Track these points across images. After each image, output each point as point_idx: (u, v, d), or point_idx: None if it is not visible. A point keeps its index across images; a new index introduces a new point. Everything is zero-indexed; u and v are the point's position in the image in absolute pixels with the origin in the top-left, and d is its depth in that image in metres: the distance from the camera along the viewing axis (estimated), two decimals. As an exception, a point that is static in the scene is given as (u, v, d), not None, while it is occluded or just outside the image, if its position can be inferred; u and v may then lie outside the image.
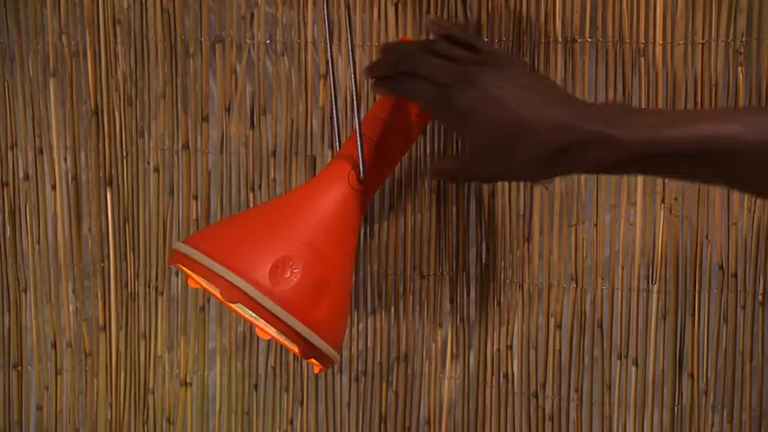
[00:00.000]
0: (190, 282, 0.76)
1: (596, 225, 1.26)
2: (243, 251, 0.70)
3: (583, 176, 1.25)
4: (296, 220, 0.74)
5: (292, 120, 1.28)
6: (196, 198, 1.31)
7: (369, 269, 1.29)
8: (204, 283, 0.80)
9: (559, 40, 1.20)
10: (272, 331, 0.81)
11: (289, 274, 0.70)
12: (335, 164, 0.73)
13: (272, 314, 0.67)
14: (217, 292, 0.78)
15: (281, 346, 1.32)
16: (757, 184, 0.64)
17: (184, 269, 0.74)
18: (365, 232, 1.29)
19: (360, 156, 0.70)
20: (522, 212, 1.26)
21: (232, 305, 0.80)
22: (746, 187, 0.67)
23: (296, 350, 0.77)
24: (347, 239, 0.74)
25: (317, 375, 1.33)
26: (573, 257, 1.26)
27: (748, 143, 0.60)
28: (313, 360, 0.77)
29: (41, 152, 1.31)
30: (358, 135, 0.69)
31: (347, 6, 0.78)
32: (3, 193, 1.31)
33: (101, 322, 1.33)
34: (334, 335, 0.71)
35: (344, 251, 0.74)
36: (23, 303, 1.34)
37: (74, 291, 1.33)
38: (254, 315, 0.78)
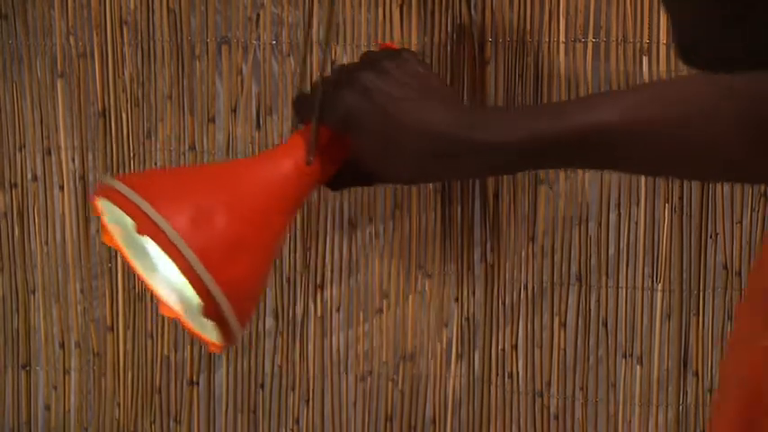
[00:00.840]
0: (104, 237, 0.73)
1: (600, 224, 1.26)
2: (169, 192, 0.68)
3: (587, 175, 1.25)
4: (232, 183, 0.72)
5: (298, 120, 1.28)
6: (202, 198, 1.31)
7: (374, 269, 1.30)
8: (120, 239, 0.75)
9: (563, 40, 1.21)
10: (177, 308, 0.76)
11: (209, 225, 0.67)
12: (290, 142, 0.72)
13: (182, 256, 0.65)
14: (127, 247, 0.74)
15: (287, 346, 1.33)
16: (646, 166, 0.63)
17: (102, 210, 0.71)
18: (370, 232, 1.29)
19: (312, 140, 0.69)
20: (526, 212, 1.26)
21: (144, 278, 0.76)
22: (638, 170, 0.67)
23: (192, 329, 0.73)
24: (278, 217, 0.72)
25: (323, 375, 1.33)
26: (577, 257, 1.26)
27: (620, 126, 0.60)
28: (207, 339, 0.73)
29: (49, 153, 1.32)
30: (314, 120, 0.68)
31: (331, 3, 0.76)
32: (11, 194, 1.32)
33: (108, 322, 1.34)
34: (242, 305, 0.68)
35: (271, 226, 0.72)
36: (32, 304, 1.35)
37: (81, 291, 1.34)
38: (165, 280, 0.74)
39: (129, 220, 0.66)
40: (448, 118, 0.66)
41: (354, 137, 0.68)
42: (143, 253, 0.72)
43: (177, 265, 0.64)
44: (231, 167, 0.76)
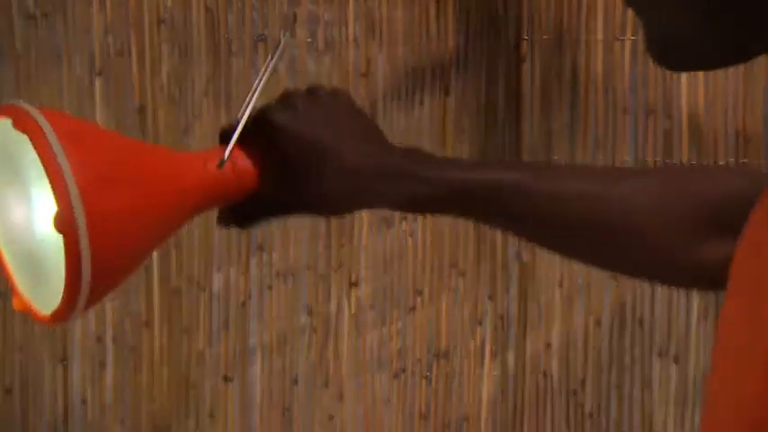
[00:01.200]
0: None
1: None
2: (70, 123, 0.66)
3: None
4: (138, 149, 0.71)
5: (333, 118, 1.29)
6: (238, 195, 1.32)
7: (408, 266, 1.30)
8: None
9: (600, 38, 1.20)
10: (18, 261, 0.72)
11: (94, 149, 0.65)
12: (209, 150, 0.72)
13: (53, 153, 0.61)
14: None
15: (321, 343, 1.33)
16: (546, 238, 0.66)
17: None
18: (404, 230, 1.29)
19: (227, 147, 0.68)
20: (562, 210, 1.26)
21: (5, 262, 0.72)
22: (537, 238, 0.68)
23: (26, 301, 0.68)
24: (171, 197, 0.70)
25: (356, 373, 1.34)
26: (613, 256, 1.26)
27: (528, 187, 0.64)
28: (39, 312, 0.67)
29: (87, 150, 1.33)
30: (236, 129, 0.68)
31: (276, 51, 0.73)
32: (49, 190, 1.34)
33: (144, 317, 1.35)
34: (103, 249, 0.63)
35: (161, 204, 0.70)
36: (69, 299, 1.36)
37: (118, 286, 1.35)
38: (21, 219, 0.70)
39: (11, 138, 0.63)
40: (383, 147, 0.68)
41: (279, 154, 0.68)
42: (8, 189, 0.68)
43: (44, 162, 0.60)
44: (147, 144, 0.76)
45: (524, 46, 1.22)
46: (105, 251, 0.61)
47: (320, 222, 1.32)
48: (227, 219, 0.73)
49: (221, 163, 0.67)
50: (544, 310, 1.27)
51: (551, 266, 1.27)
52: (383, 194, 0.66)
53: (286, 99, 0.70)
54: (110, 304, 1.36)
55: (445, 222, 1.28)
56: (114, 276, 0.63)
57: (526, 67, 1.23)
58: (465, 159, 0.72)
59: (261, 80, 0.73)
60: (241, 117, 0.68)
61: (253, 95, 0.69)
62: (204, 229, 1.33)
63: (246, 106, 0.69)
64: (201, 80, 1.31)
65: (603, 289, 1.25)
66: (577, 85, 1.23)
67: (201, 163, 0.68)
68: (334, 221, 1.32)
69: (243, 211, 0.72)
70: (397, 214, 1.31)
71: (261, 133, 0.68)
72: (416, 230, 1.29)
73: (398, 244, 1.30)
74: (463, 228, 1.28)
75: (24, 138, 0.62)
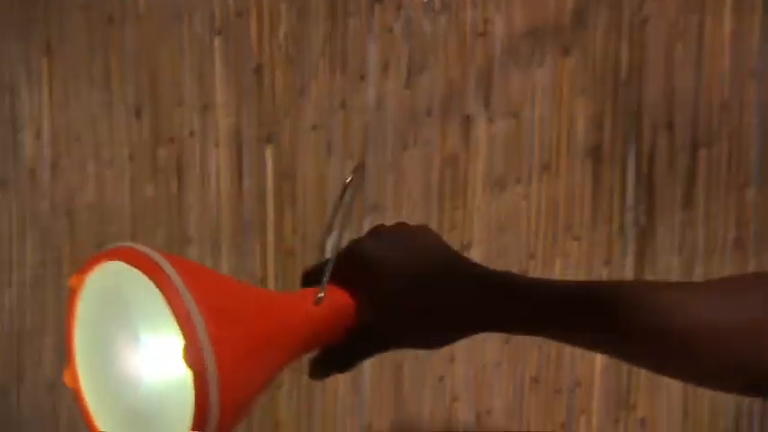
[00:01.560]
0: (69, 301, 0.66)
1: (762, 188, 1.21)
2: (184, 260, 0.67)
3: (752, 137, 1.21)
4: (248, 294, 0.71)
5: (449, 79, 1.28)
6: (352, 156, 1.33)
7: (521, 230, 1.29)
8: (90, 319, 0.70)
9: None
10: (122, 415, 0.70)
11: (213, 293, 0.65)
12: (310, 288, 0.71)
13: (177, 291, 0.60)
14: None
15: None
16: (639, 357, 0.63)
17: (91, 279, 0.66)
18: (518, 193, 1.28)
19: (322, 282, 0.68)
20: (684, 174, 1.23)
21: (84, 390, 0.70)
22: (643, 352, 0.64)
23: None
24: (278, 345, 0.70)
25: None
26: (735, 222, 1.22)
27: (646, 296, 0.60)
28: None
29: (206, 109, 1.35)
30: (329, 264, 0.67)
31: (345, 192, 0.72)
32: (169, 149, 1.36)
33: (259, 276, 1.37)
34: (226, 391, 0.62)
35: (270, 351, 0.69)
36: (187, 256, 1.39)
37: (233, 245, 1.38)
38: (128, 375, 0.67)
39: (120, 284, 0.62)
40: (474, 268, 0.66)
41: (369, 280, 0.67)
42: (110, 341, 0.67)
43: (168, 298, 0.59)
44: (249, 283, 0.75)
45: (648, 4, 1.19)
46: (230, 392, 0.62)
47: (433, 185, 1.32)
48: (324, 368, 0.73)
49: (318, 299, 0.67)
50: (662, 277, 1.25)
51: (670, 232, 1.24)
52: (492, 315, 0.64)
53: (374, 232, 0.70)
54: (226, 264, 1.38)
55: (560, 185, 1.27)
56: (234, 419, 0.63)
57: (650, 26, 1.20)
58: (564, 280, 0.70)
59: (340, 212, 0.72)
60: (329, 251, 0.68)
61: (339, 232, 0.68)
62: (318, 185, 1.34)
63: (333, 238, 0.69)
64: (318, 40, 1.31)
65: (724, 256, 1.22)
66: (702, 46, 1.20)
67: (301, 301, 0.69)
68: (447, 183, 1.31)
69: (342, 352, 0.71)
70: (511, 177, 1.29)
71: (353, 266, 0.68)
72: (531, 194, 1.27)
73: (512, 207, 1.29)
74: (579, 191, 1.26)
75: (136, 281, 0.62)
